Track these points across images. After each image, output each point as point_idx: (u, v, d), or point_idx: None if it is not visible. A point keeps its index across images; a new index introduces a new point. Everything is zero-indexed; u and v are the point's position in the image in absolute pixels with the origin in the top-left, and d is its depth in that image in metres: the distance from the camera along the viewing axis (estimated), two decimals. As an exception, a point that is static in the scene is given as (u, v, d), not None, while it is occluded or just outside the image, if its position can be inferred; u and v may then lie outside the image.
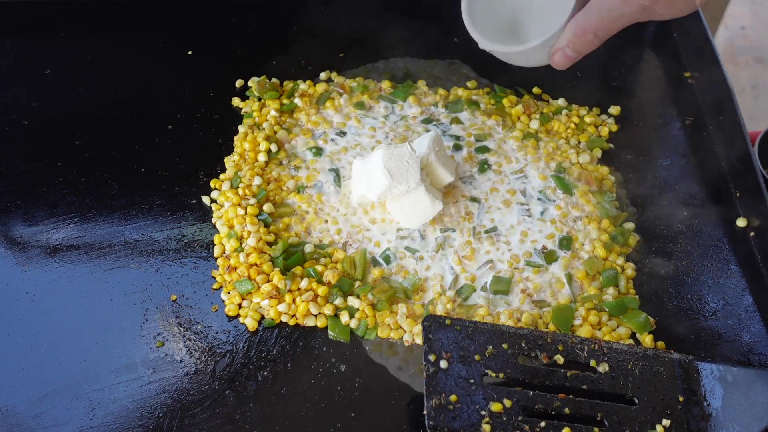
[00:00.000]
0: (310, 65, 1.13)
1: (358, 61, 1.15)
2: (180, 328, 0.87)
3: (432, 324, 0.82)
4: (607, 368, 0.81)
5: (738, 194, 1.00)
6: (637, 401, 0.80)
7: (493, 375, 0.80)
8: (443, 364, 0.80)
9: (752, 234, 0.97)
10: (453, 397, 0.78)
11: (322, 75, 1.11)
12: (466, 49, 1.15)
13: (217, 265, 0.92)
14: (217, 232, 0.95)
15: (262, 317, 0.88)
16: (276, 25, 1.19)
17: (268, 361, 0.85)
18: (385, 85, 1.10)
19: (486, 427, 0.77)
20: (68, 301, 0.89)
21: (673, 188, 1.01)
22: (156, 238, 0.95)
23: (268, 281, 0.89)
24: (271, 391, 0.83)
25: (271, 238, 0.93)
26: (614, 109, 1.10)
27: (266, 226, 0.94)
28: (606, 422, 0.78)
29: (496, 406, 0.78)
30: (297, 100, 1.07)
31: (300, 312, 0.87)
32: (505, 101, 1.09)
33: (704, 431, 0.79)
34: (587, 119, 1.08)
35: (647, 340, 0.87)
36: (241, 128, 1.04)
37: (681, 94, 1.13)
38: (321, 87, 1.09)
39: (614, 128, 1.07)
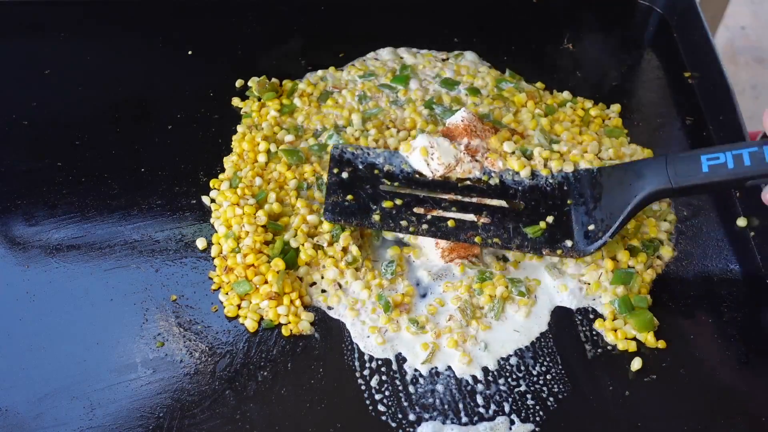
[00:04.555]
0: (310, 65, 1.13)
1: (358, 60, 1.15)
2: (180, 328, 0.87)
3: (340, 149, 0.96)
4: (497, 181, 0.94)
5: (738, 194, 1.00)
6: (522, 204, 0.93)
7: (388, 184, 0.94)
8: (344, 174, 0.95)
9: (752, 234, 0.96)
10: (349, 197, 0.93)
11: (320, 72, 1.11)
12: (467, 47, 1.16)
13: (215, 266, 0.92)
14: (216, 232, 0.95)
15: (262, 318, 0.88)
16: (276, 25, 1.19)
17: (268, 361, 0.85)
18: (387, 77, 1.10)
19: (376, 217, 0.91)
20: (68, 301, 0.89)
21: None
22: (156, 238, 0.95)
23: (266, 282, 0.89)
24: (271, 391, 0.83)
25: (269, 237, 0.93)
26: (615, 108, 1.10)
27: (264, 226, 0.94)
28: (490, 218, 0.91)
29: (387, 203, 0.92)
30: (296, 101, 1.07)
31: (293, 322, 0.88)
32: (508, 90, 1.08)
33: (586, 223, 0.90)
34: (592, 112, 1.07)
35: (649, 338, 0.87)
36: (239, 128, 1.04)
37: (681, 94, 1.13)
38: (321, 85, 1.09)
39: (618, 122, 1.07)
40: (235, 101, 1.08)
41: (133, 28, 1.19)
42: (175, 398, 0.82)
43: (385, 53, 1.15)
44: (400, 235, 0.95)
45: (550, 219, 0.92)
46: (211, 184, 0.99)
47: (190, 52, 1.15)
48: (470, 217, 0.92)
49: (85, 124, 1.06)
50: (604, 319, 0.89)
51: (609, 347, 0.88)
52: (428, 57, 1.13)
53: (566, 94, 1.10)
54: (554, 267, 0.92)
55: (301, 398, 0.82)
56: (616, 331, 0.88)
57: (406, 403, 0.83)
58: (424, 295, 0.91)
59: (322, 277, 0.91)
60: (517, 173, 0.95)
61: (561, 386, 0.84)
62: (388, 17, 1.20)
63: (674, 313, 0.90)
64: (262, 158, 1.00)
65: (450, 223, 0.91)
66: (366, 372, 0.85)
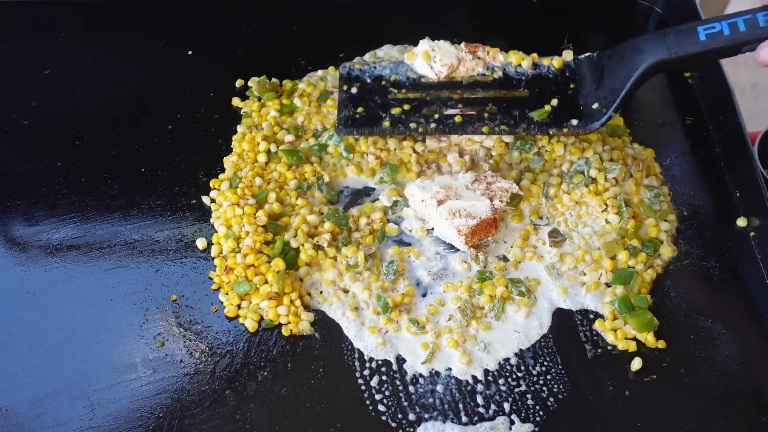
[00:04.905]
0: (310, 65, 1.13)
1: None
2: (180, 328, 0.87)
3: (348, 67, 1.01)
4: (501, 74, 0.98)
5: (738, 194, 1.00)
6: (527, 92, 0.96)
7: (396, 92, 0.98)
8: (354, 90, 0.99)
9: (752, 234, 0.96)
10: (360, 109, 0.97)
11: (320, 72, 1.11)
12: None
13: (215, 266, 0.92)
14: (216, 232, 0.95)
15: (262, 318, 0.88)
16: (276, 25, 1.19)
17: (268, 361, 0.85)
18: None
19: (386, 124, 0.96)
20: (68, 301, 0.89)
21: (673, 188, 1.01)
22: (156, 238, 0.95)
23: (266, 282, 0.89)
24: (271, 391, 0.83)
25: (269, 237, 0.93)
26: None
27: (264, 226, 0.94)
28: (496, 108, 0.95)
29: (396, 110, 0.96)
30: (296, 101, 1.07)
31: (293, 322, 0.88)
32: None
33: (591, 102, 0.94)
34: None
35: (649, 338, 0.87)
36: (239, 128, 1.04)
37: (681, 94, 1.13)
38: (321, 85, 1.09)
39: (620, 121, 1.07)
40: (235, 101, 1.08)
41: (134, 28, 1.19)
42: (175, 398, 0.82)
43: (384, 51, 1.15)
44: (401, 236, 0.95)
45: (554, 102, 0.96)
46: (211, 184, 0.99)
47: (190, 52, 1.15)
48: (476, 111, 0.96)
49: (85, 124, 1.06)
50: (604, 319, 0.89)
51: (609, 347, 0.88)
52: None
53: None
54: (553, 267, 0.92)
55: (301, 398, 0.82)
56: (616, 331, 0.88)
57: (406, 403, 0.83)
58: (424, 295, 0.91)
59: (322, 278, 0.91)
60: (519, 65, 0.99)
61: (561, 386, 0.84)
62: (388, 17, 1.19)
63: (674, 313, 0.90)
64: (262, 158, 1.00)
65: (457, 119, 0.95)
66: (366, 372, 0.85)
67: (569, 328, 0.89)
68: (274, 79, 1.10)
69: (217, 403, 0.82)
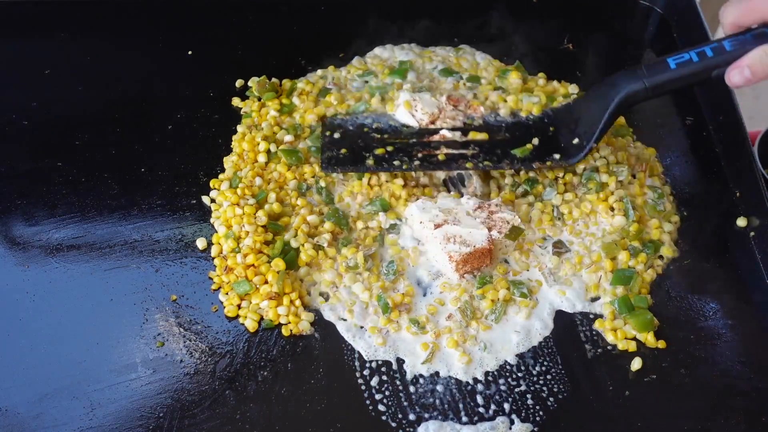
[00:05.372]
0: (310, 65, 1.13)
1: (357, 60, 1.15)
2: (180, 328, 0.87)
3: (330, 118, 1.03)
4: (481, 122, 1.01)
5: (738, 194, 1.00)
6: (508, 135, 0.99)
7: (379, 137, 0.99)
8: (337, 135, 1.00)
9: (752, 234, 0.96)
10: (343, 150, 0.98)
11: (319, 72, 1.11)
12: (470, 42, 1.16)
13: (215, 266, 0.92)
14: (216, 232, 0.95)
15: (262, 318, 0.88)
16: (276, 25, 1.19)
17: (268, 361, 0.85)
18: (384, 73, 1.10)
19: (369, 162, 0.96)
20: (68, 301, 0.89)
21: (674, 188, 1.01)
22: (156, 238, 0.94)
23: (266, 282, 0.89)
24: (271, 391, 0.83)
25: (269, 237, 0.93)
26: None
27: (264, 226, 0.94)
28: (477, 148, 0.97)
29: (379, 150, 0.97)
30: (296, 100, 1.07)
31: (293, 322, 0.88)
32: (513, 74, 1.09)
33: (571, 139, 0.95)
34: None
35: (649, 338, 0.87)
36: (239, 128, 1.04)
37: (681, 94, 1.13)
38: (321, 83, 1.09)
39: (622, 120, 1.07)
40: (235, 101, 1.08)
41: (133, 28, 1.19)
42: (175, 398, 0.82)
43: (384, 51, 1.15)
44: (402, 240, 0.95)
45: (535, 141, 0.98)
46: (211, 184, 0.99)
47: (190, 52, 1.15)
48: (459, 151, 0.97)
49: (85, 124, 1.05)
50: (604, 319, 0.89)
51: (609, 347, 0.88)
52: (428, 53, 1.14)
53: (573, 88, 1.10)
54: (551, 273, 0.92)
55: (301, 398, 0.82)
56: (616, 331, 0.88)
57: (406, 403, 0.83)
58: (424, 294, 0.91)
59: (322, 279, 0.91)
60: (499, 114, 1.02)
61: (561, 386, 0.84)
62: (388, 17, 1.19)
63: (674, 313, 0.90)
64: (261, 158, 1.00)
65: (440, 157, 0.96)
66: (366, 372, 0.85)
67: (569, 328, 0.89)
68: (274, 79, 1.10)
69: (217, 403, 0.82)
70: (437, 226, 0.91)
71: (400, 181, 0.97)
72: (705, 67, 0.88)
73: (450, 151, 0.97)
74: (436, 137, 0.99)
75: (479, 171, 0.98)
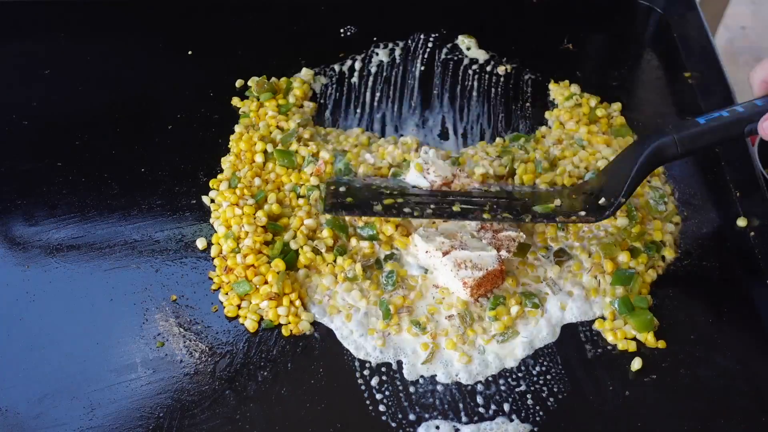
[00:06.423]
0: (310, 65, 1.13)
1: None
2: (180, 328, 0.87)
3: (336, 178, 0.96)
4: (497, 189, 0.94)
5: (738, 194, 1.00)
6: (527, 199, 0.92)
7: (388, 192, 0.92)
8: (342, 188, 0.93)
9: (752, 234, 0.96)
10: (349, 199, 0.91)
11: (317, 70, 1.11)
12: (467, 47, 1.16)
13: (215, 266, 0.92)
14: (216, 232, 0.95)
15: (262, 318, 0.88)
16: (276, 25, 1.19)
17: (268, 361, 0.85)
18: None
19: (378, 208, 0.90)
20: (68, 301, 0.89)
21: (674, 188, 1.01)
22: (156, 238, 0.95)
23: (266, 283, 0.89)
24: (271, 391, 0.83)
25: (269, 237, 0.93)
26: (616, 107, 1.09)
27: (263, 226, 0.93)
28: (496, 201, 0.91)
29: (388, 200, 0.91)
30: (290, 98, 1.07)
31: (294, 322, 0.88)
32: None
33: (594, 202, 0.89)
34: (598, 112, 1.07)
35: (649, 338, 0.87)
36: (237, 128, 1.04)
37: (681, 94, 1.13)
38: (320, 80, 1.09)
39: (623, 120, 1.07)
40: (235, 101, 1.08)
41: (133, 28, 1.19)
42: (175, 398, 0.82)
43: (384, 50, 1.15)
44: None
45: (557, 202, 0.91)
46: (210, 185, 0.99)
47: (190, 52, 1.15)
48: (475, 204, 0.91)
49: (85, 124, 1.06)
50: (604, 319, 0.89)
51: (609, 347, 0.88)
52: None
53: (574, 88, 1.10)
54: (554, 283, 0.92)
55: (301, 398, 0.83)
56: (616, 331, 0.88)
57: (406, 403, 0.83)
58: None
59: (319, 284, 0.91)
60: (517, 185, 0.96)
61: (561, 386, 0.84)
62: (387, 18, 1.20)
63: (674, 313, 0.90)
64: (259, 158, 1.00)
65: (455, 208, 0.90)
66: (366, 372, 0.85)
67: (569, 327, 0.89)
68: (273, 79, 1.10)
69: (217, 403, 0.82)
70: (445, 253, 0.89)
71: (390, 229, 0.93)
72: (735, 119, 0.86)
73: (466, 205, 0.90)
74: (450, 191, 0.93)
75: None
